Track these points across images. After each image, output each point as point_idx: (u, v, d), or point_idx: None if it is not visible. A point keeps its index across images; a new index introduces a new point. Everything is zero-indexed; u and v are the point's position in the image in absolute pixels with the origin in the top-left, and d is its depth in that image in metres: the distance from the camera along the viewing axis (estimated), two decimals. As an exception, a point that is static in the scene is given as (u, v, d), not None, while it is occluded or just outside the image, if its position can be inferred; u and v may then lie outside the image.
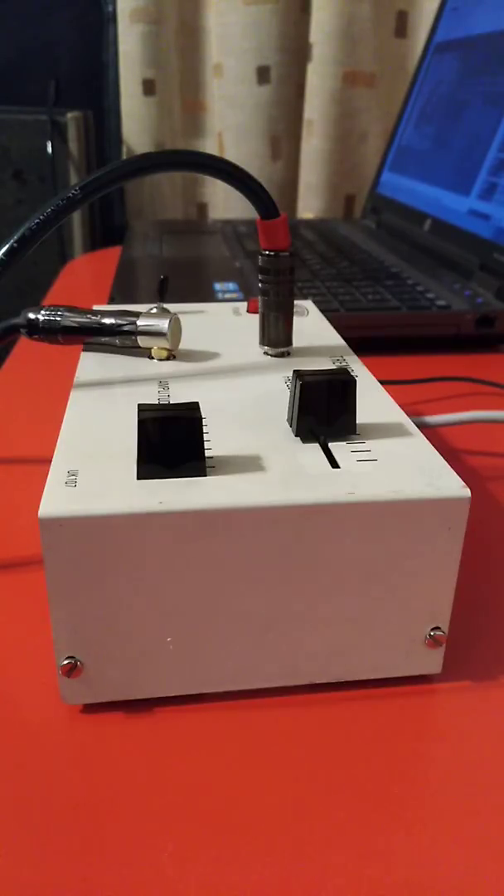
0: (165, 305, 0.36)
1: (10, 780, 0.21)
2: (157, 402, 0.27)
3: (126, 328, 0.32)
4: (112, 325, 0.32)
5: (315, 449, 0.24)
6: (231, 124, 1.08)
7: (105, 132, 1.14)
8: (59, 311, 0.33)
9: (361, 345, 0.53)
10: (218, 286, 0.61)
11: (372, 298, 0.57)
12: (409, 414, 0.44)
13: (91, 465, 0.23)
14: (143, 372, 0.31)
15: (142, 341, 0.32)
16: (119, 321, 0.32)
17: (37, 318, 0.33)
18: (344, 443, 0.25)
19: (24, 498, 0.35)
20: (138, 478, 0.22)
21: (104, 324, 0.32)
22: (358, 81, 1.03)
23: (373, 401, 0.28)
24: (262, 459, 0.23)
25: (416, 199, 0.80)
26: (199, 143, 1.16)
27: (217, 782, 0.21)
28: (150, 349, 0.32)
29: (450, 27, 0.83)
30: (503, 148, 0.65)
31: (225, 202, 1.14)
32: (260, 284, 0.32)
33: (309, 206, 1.10)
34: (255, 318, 0.38)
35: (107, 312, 0.33)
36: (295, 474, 0.23)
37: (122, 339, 0.32)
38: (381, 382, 0.44)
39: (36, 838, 0.19)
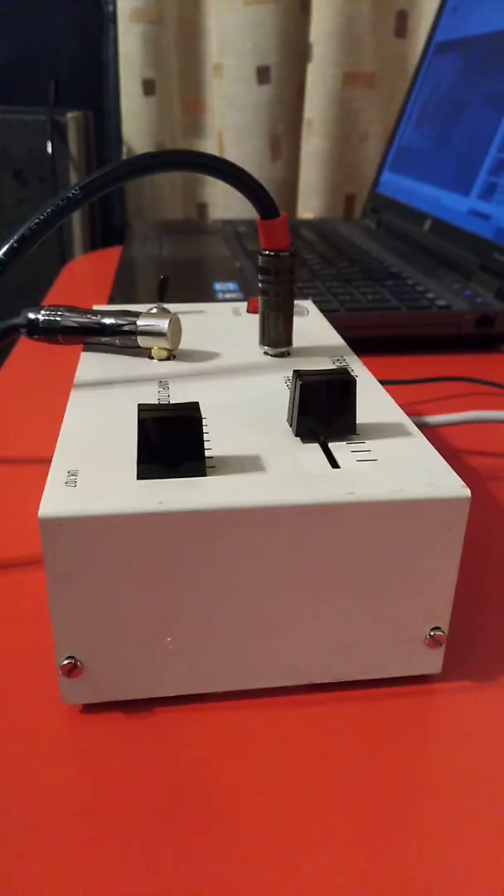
0: (165, 305, 0.36)
1: (9, 780, 0.21)
2: (157, 402, 0.27)
3: (126, 328, 0.32)
4: (112, 325, 0.32)
5: (315, 449, 0.24)
6: (231, 124, 1.08)
7: (105, 132, 1.14)
8: (59, 311, 0.33)
9: (361, 345, 0.53)
10: (218, 286, 0.61)
11: (372, 298, 0.57)
12: (409, 414, 0.44)
13: (91, 465, 0.23)
14: (143, 372, 0.31)
15: (142, 341, 0.32)
16: (119, 321, 0.32)
17: (37, 318, 0.33)
18: (344, 443, 0.25)
19: (24, 498, 0.35)
20: (138, 478, 0.22)
21: (104, 324, 0.32)
22: (358, 81, 1.03)
23: (373, 401, 0.28)
24: (262, 459, 0.23)
25: (416, 199, 0.80)
26: (199, 143, 1.16)
27: (217, 782, 0.21)
28: (150, 349, 0.32)
29: (450, 27, 0.83)
30: (503, 148, 0.65)
31: (225, 202, 1.14)
32: (260, 284, 0.32)
33: (309, 206, 1.10)
34: (255, 318, 0.38)
35: (107, 312, 0.33)
36: (295, 474, 0.23)
37: (122, 339, 0.32)
38: (381, 382, 0.44)
39: (36, 838, 0.19)
